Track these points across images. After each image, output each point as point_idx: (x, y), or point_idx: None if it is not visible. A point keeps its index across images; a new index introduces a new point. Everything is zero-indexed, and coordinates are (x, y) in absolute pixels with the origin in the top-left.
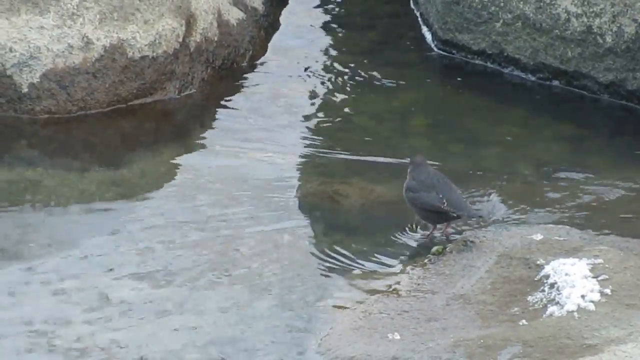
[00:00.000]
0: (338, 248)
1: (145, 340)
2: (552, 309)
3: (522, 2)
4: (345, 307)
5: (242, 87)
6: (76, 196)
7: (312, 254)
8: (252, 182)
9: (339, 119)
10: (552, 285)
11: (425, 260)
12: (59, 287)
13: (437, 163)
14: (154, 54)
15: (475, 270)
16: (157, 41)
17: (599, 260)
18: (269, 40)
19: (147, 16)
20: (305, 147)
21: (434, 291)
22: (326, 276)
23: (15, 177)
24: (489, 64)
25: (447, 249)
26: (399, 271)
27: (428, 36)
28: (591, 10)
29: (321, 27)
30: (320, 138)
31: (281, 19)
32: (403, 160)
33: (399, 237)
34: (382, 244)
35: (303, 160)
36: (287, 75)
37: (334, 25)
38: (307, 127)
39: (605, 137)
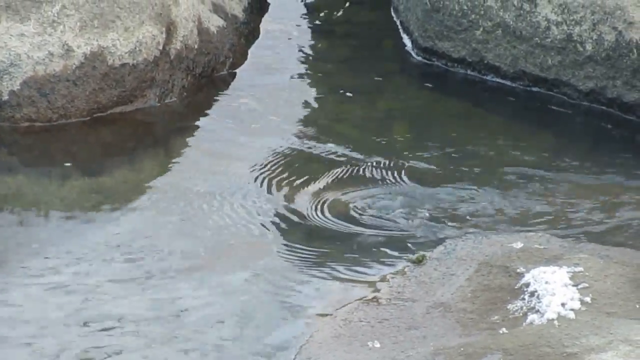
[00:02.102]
0: (317, 256)
1: (122, 349)
2: (532, 317)
3: (502, 10)
4: (325, 315)
5: (222, 94)
6: (56, 204)
7: (292, 261)
8: (232, 189)
9: (319, 127)
10: (532, 294)
11: (406, 269)
12: (38, 295)
13: (417, 169)
14: (134, 61)
15: (455, 279)
16: (137, 49)
17: (579, 269)
18: (249, 47)
19: (128, 23)
20: (285, 154)
21: (414, 299)
22: (306, 284)
23: None
24: (469, 72)
25: (427, 257)
26: (379, 279)
27: (408, 44)
28: (571, 18)
29: (301, 34)
30: (301, 145)
31: (261, 26)
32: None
33: (379, 245)
34: (362, 252)
35: (283, 167)
36: (267, 83)
37: (314, 33)
38: (287, 135)
39: (586, 145)
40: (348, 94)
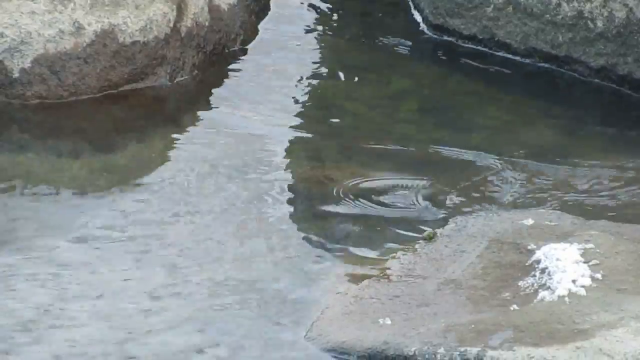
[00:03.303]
0: (328, 233)
1: (134, 325)
2: (543, 294)
3: None
4: (336, 293)
5: (233, 72)
6: (67, 182)
7: (302, 239)
8: (243, 167)
9: (330, 104)
10: (543, 270)
11: (416, 246)
12: (48, 273)
13: (427, 146)
14: (145, 39)
15: (466, 255)
16: (148, 26)
17: (590, 245)
18: (260, 24)
19: (138, 1)
20: (296, 132)
21: (425, 276)
22: (316, 262)
23: (6, 163)
24: (480, 49)
25: (438, 234)
26: (389, 256)
27: (419, 20)
28: None
29: (312, 11)
30: (311, 123)
31: (272, 3)
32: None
33: (389, 222)
34: (373, 229)
35: (294, 145)
36: (278, 60)
37: (325, 10)
38: (298, 112)
39: (596, 122)
40: (359, 71)
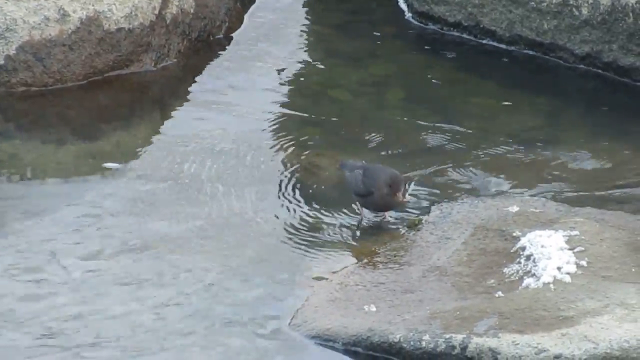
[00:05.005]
0: (313, 220)
1: (118, 311)
2: (528, 280)
3: None
4: (321, 279)
5: (218, 59)
6: (52, 168)
7: (287, 226)
8: (228, 154)
9: (314, 91)
10: (528, 257)
11: (401, 232)
12: (34, 259)
13: (411, 133)
14: (130, 25)
15: (451, 242)
16: (133, 13)
17: (575, 232)
18: (245, 12)
19: None
20: (280, 119)
21: (410, 263)
22: (301, 249)
23: None
24: (465, 36)
25: (423, 220)
26: (375, 243)
27: (404, 8)
28: None
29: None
30: (296, 110)
31: None
32: (378, 134)
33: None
34: (358, 215)
35: (278, 132)
36: (263, 48)
37: None
38: (283, 100)
39: (582, 108)
40: (343, 59)
